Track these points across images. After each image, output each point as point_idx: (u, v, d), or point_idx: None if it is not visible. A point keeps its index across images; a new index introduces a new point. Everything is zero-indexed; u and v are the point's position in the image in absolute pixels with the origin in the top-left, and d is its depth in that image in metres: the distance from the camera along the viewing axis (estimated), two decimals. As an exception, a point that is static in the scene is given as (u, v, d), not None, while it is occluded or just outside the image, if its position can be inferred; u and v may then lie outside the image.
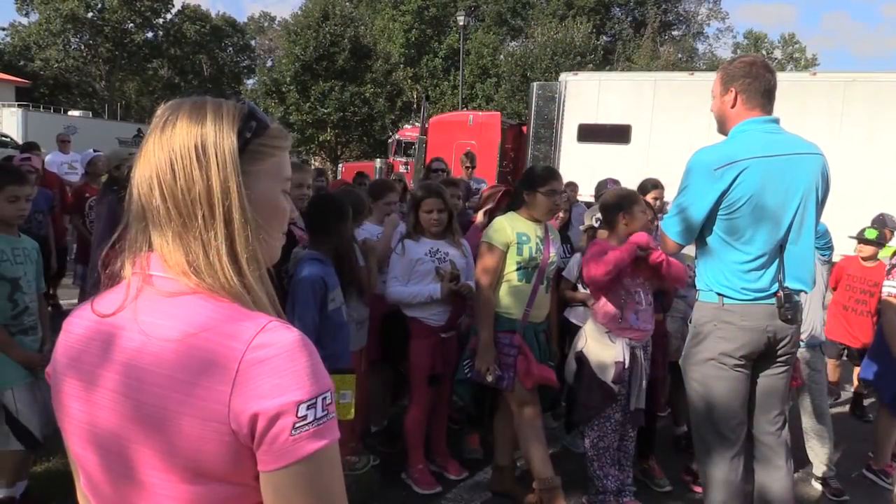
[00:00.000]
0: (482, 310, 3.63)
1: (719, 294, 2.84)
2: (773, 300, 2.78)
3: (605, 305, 3.70)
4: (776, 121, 2.84)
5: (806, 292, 2.90)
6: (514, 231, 3.59)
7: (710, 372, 2.88)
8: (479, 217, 4.61)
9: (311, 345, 0.92)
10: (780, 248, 2.80)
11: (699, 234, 2.87)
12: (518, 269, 3.60)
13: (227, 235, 0.95)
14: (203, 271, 0.94)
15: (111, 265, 1.02)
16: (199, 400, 0.88)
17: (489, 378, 3.56)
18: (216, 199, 0.94)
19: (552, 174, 3.68)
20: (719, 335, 2.84)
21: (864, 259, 5.32)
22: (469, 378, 3.68)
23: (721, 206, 2.75)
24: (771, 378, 2.94)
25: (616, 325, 3.67)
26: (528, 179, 3.70)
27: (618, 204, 3.72)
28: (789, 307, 2.76)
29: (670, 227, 2.92)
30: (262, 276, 0.99)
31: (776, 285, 2.79)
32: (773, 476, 2.94)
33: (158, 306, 0.95)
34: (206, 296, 0.94)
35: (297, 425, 0.86)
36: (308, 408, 0.87)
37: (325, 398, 0.89)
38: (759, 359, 2.89)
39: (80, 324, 1.03)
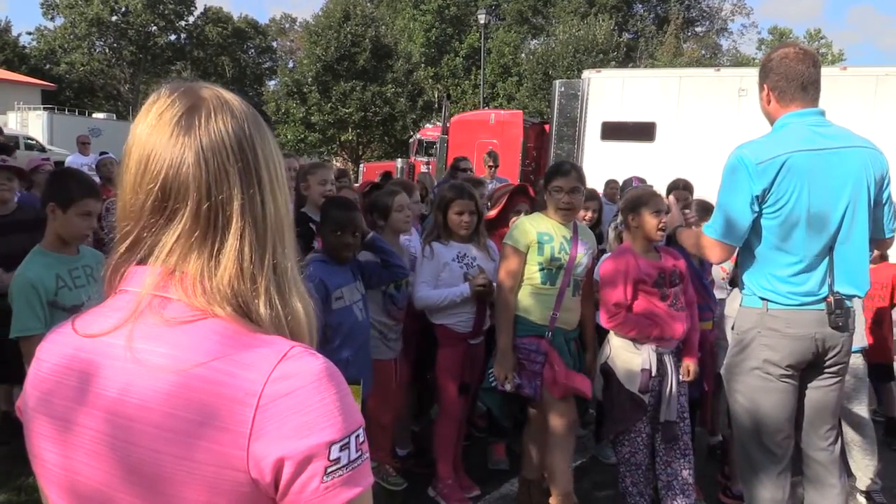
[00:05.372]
0: (500, 314, 3.48)
1: (763, 299, 2.64)
2: (823, 305, 2.57)
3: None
4: (821, 113, 2.63)
5: (859, 297, 2.69)
6: (535, 231, 3.44)
7: (754, 383, 2.68)
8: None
9: (339, 373, 0.79)
10: (830, 250, 2.59)
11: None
12: (540, 270, 3.44)
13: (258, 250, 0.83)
14: (224, 291, 0.79)
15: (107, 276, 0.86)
16: (209, 443, 0.73)
17: (507, 386, 3.40)
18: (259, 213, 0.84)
19: (557, 171, 3.50)
20: (763, 343, 2.64)
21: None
22: (493, 387, 3.51)
23: (765, 204, 2.55)
24: (821, 390, 2.73)
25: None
26: (544, 177, 3.53)
27: (627, 206, 3.60)
28: (840, 313, 2.54)
29: (713, 231, 2.70)
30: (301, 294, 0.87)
31: (826, 289, 2.58)
32: (826, 495, 2.73)
33: (160, 331, 0.79)
34: (222, 320, 0.79)
35: (330, 470, 0.73)
36: (341, 449, 0.74)
37: (358, 436, 0.76)
38: (807, 369, 2.69)
39: (53, 350, 0.86)
